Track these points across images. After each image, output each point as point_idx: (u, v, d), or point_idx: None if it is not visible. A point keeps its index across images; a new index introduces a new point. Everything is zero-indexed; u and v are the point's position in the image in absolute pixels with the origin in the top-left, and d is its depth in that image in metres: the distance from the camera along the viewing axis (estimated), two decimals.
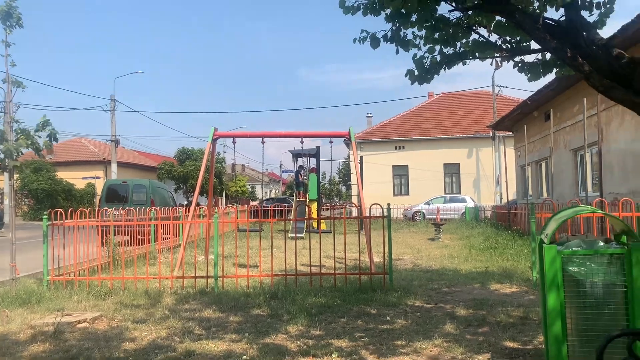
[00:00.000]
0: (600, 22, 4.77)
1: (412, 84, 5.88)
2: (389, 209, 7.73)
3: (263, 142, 11.28)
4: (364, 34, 5.24)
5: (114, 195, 18.65)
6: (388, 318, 5.99)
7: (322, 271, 8.60)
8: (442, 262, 11.54)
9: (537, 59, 5.46)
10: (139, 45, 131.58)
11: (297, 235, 14.09)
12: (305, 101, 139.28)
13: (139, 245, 11.03)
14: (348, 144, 38.23)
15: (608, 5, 4.72)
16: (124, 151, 54.16)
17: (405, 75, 5.84)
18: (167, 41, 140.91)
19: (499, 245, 13.32)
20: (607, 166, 12.32)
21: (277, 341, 5.13)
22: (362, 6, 5.31)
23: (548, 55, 5.27)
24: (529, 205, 15.71)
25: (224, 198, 56.19)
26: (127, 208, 17.49)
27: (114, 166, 39.93)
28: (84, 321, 5.76)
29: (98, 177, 45.74)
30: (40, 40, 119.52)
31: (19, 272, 7.45)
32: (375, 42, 5.21)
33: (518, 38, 5.33)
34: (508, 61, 5.38)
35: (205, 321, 5.85)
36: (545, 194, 18.73)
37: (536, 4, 4.98)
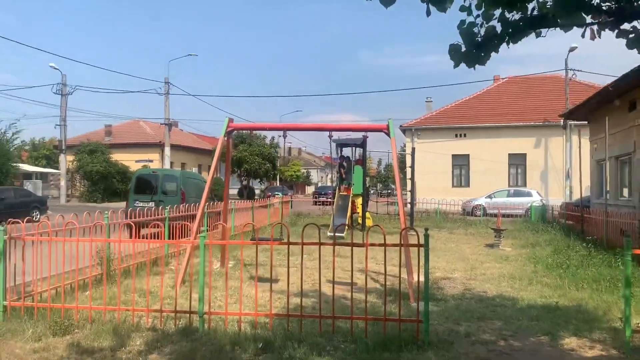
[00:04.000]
0: None
1: (455, 66, 3.91)
2: (426, 236, 5.78)
3: (285, 137, 9.65)
4: None
5: (145, 185, 17.70)
6: None
7: (342, 306, 6.89)
8: (499, 285, 9.46)
9: None
10: (197, 30, 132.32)
11: (337, 234, 11.99)
12: (364, 85, 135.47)
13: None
14: (404, 132, 35.85)
15: None
16: (180, 134, 53.99)
17: (449, 52, 3.89)
18: (226, 26, 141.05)
19: (572, 263, 11.01)
20: None
21: None
22: None
23: None
24: (605, 208, 13.26)
25: (277, 183, 55.21)
26: (156, 200, 16.75)
27: (167, 149, 39.46)
28: None
29: (151, 161, 45.73)
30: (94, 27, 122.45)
31: None
32: None
33: None
34: (613, 30, 3.36)
35: None
36: (626, 195, 16.07)
37: None
